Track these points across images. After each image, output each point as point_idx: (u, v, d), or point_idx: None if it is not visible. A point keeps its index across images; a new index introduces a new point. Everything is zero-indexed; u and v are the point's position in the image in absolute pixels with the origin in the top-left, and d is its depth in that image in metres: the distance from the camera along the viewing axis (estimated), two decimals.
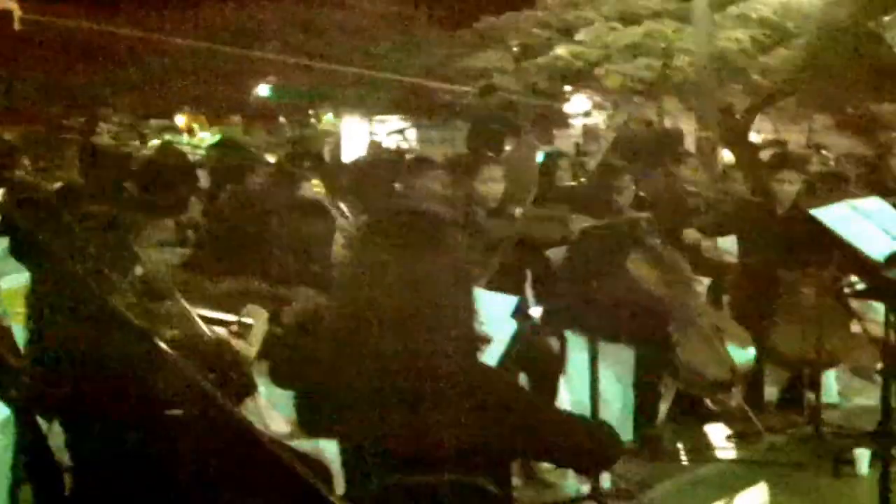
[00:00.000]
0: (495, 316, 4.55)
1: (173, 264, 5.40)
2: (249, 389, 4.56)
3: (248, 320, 4.73)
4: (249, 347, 4.63)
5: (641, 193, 8.30)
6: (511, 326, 4.48)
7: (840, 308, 7.61)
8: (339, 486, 3.17)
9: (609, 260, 6.54)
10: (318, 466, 3.55)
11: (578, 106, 18.64)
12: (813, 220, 5.65)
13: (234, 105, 13.95)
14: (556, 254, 6.98)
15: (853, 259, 5.66)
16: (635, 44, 15.96)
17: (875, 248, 5.46)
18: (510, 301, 4.72)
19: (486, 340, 3.24)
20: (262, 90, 15.72)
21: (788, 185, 7.71)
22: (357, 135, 18.00)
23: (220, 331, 4.71)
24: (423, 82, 14.45)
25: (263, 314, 4.78)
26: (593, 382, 6.38)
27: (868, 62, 16.53)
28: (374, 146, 15.73)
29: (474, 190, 7.10)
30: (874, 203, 5.91)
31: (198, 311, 4.76)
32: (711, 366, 7.31)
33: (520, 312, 4.90)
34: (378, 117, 18.04)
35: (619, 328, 7.16)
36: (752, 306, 7.77)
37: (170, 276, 4.96)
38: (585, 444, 3.28)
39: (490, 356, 4.22)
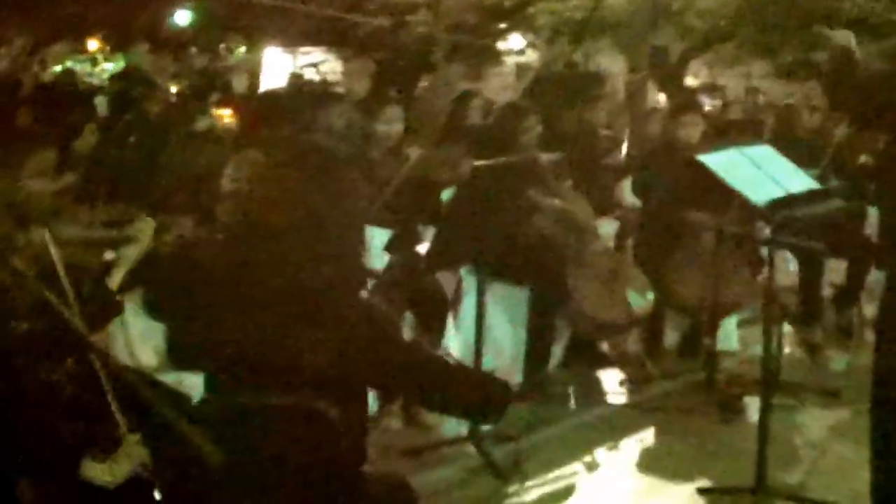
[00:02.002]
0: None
1: (52, 192, 5.24)
2: (112, 311, 4.41)
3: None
4: (118, 269, 4.45)
5: (549, 134, 8.16)
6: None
7: (740, 255, 7.56)
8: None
9: (501, 199, 6.41)
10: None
11: (513, 45, 18.53)
12: (700, 165, 5.56)
13: (141, 32, 13.62)
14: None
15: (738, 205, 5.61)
16: None
17: (759, 194, 5.39)
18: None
19: (373, 275, 3.30)
20: (174, 18, 15.42)
21: (693, 131, 7.64)
22: (278, 67, 17.76)
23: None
24: (342, 15, 14.23)
25: (150, 227, 4.61)
26: (479, 322, 6.27)
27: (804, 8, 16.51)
28: (295, 79, 15.48)
29: (373, 128, 7.01)
30: (764, 150, 5.83)
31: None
32: (606, 309, 7.25)
33: (395, 247, 4.82)
34: (302, 50, 17.73)
35: (511, 268, 7.08)
36: (653, 251, 7.70)
37: (44, 204, 4.82)
38: (467, 393, 3.29)
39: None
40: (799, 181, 5.65)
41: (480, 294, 6.32)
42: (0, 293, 3.68)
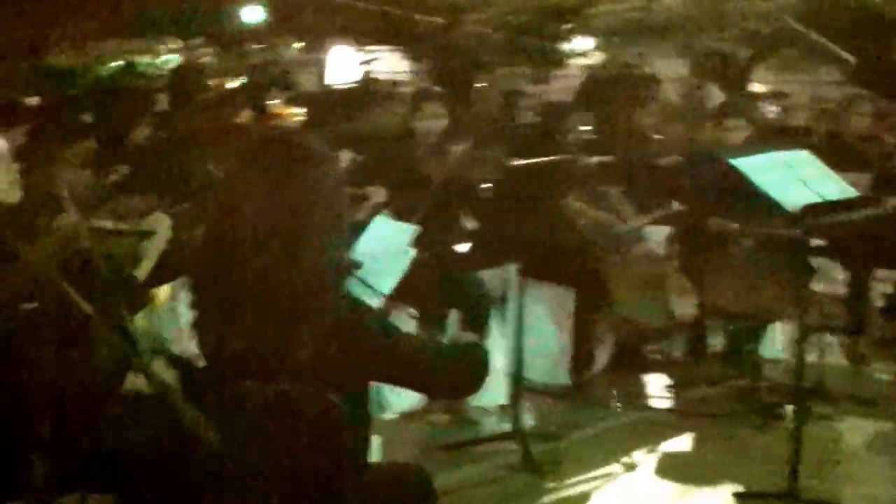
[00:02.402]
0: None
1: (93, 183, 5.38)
2: (141, 300, 4.53)
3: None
4: (146, 262, 4.57)
5: (595, 136, 8.19)
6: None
7: (784, 261, 7.51)
8: None
9: (540, 199, 6.45)
10: None
11: (579, 46, 18.49)
12: (733, 168, 5.54)
13: (202, 28, 13.75)
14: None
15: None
16: None
17: (790, 199, 5.36)
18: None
19: (354, 266, 3.38)
20: (233, 14, 15.55)
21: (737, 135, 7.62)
22: (344, 63, 17.89)
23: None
24: (400, 12, 14.30)
25: (167, 224, 4.71)
26: (519, 322, 6.32)
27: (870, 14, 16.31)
28: (362, 76, 15.61)
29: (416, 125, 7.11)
30: (801, 155, 5.78)
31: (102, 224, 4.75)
32: (649, 314, 7.29)
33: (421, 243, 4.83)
34: (368, 47, 17.84)
35: (554, 270, 7.13)
36: (696, 257, 7.68)
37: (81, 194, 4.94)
38: (439, 370, 3.29)
39: (386, 285, 4.23)
40: (836, 187, 5.60)
41: (520, 294, 6.36)
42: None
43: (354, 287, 4.09)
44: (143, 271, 4.37)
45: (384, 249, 4.50)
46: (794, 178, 5.47)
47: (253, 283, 3.00)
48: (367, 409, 3.27)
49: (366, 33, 16.67)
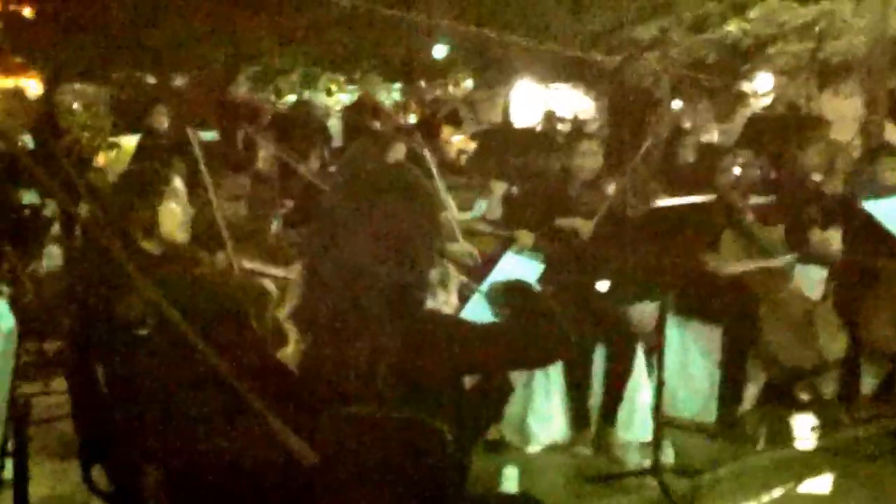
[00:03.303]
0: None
1: (241, 216, 5.70)
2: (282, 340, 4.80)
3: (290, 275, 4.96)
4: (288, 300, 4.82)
5: (751, 176, 8.27)
6: None
7: None
8: None
9: (687, 236, 6.56)
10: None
11: (759, 84, 18.38)
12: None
13: (382, 65, 14.17)
14: None
15: None
16: (809, 23, 15.60)
17: None
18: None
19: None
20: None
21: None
22: (528, 99, 18.15)
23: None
24: (578, 52, 14.47)
25: None
26: (659, 356, 6.43)
27: None
28: (544, 113, 15.88)
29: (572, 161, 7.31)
30: None
31: (252, 265, 5.05)
32: (799, 353, 7.32)
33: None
34: (552, 84, 18.10)
35: (705, 307, 7.26)
36: (850, 295, 7.68)
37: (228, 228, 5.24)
38: (518, 342, 3.45)
39: None
40: None
41: (659, 329, 6.48)
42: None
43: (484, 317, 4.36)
44: (286, 310, 4.64)
45: None
46: None
47: (358, 304, 3.23)
48: (467, 435, 3.46)
49: (548, 70, 16.93)
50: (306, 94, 12.96)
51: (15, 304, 4.79)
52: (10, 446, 4.55)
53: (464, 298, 4.01)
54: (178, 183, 4.82)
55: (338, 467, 3.13)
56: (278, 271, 5.12)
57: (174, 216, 4.68)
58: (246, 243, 5.34)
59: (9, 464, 4.48)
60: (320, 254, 3.35)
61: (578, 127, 8.70)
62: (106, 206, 4.52)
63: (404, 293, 3.28)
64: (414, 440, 3.16)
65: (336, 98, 13.32)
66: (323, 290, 3.31)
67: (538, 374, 6.69)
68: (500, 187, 8.09)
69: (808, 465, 6.89)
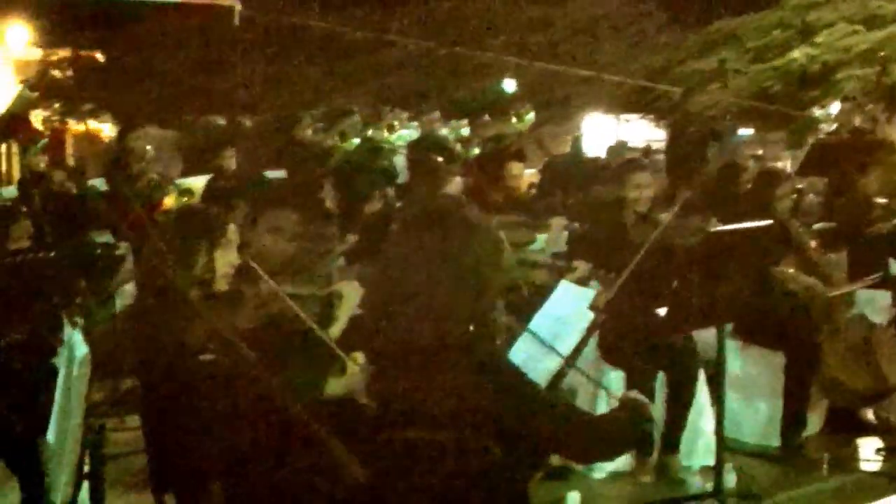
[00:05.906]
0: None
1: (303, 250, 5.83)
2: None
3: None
4: (337, 322, 4.92)
5: (811, 201, 8.31)
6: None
7: None
8: None
9: (744, 264, 6.58)
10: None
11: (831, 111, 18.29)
12: None
13: (439, 102, 14.36)
14: None
15: None
16: (875, 47, 15.56)
17: None
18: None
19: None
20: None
21: None
22: (599, 131, 18.25)
23: None
24: (640, 83, 14.57)
25: (355, 289, 4.99)
26: (720, 383, 6.47)
27: None
28: (616, 143, 15.95)
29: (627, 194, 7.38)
30: None
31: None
32: (859, 378, 7.34)
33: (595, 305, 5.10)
34: (624, 116, 18.19)
35: (765, 333, 7.31)
36: None
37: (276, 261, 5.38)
38: (580, 437, 3.49)
39: (564, 346, 4.57)
40: None
41: (719, 356, 6.51)
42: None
43: (535, 347, 4.50)
44: (334, 331, 4.78)
45: (566, 313, 4.86)
46: None
47: (419, 338, 3.34)
48: (525, 461, 3.54)
49: (613, 102, 17.04)
50: (370, 132, 13.15)
51: (87, 334, 4.97)
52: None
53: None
54: (232, 234, 5.00)
55: (389, 491, 3.21)
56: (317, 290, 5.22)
57: (221, 265, 4.87)
58: (300, 275, 5.48)
59: (85, 486, 4.69)
60: (388, 288, 3.46)
61: (631, 158, 8.76)
62: (167, 243, 4.67)
63: (469, 325, 3.38)
64: (466, 464, 3.23)
65: (398, 134, 13.48)
66: (390, 323, 3.41)
67: (600, 402, 6.76)
68: (558, 221, 8.19)
69: (872, 490, 6.87)
